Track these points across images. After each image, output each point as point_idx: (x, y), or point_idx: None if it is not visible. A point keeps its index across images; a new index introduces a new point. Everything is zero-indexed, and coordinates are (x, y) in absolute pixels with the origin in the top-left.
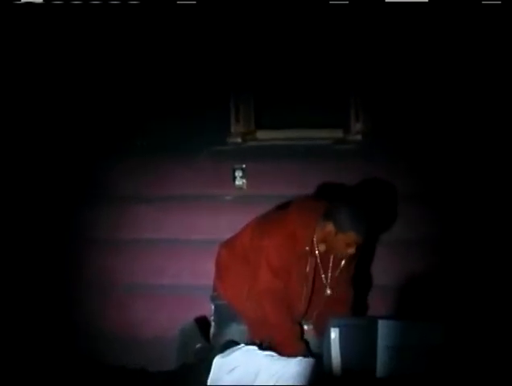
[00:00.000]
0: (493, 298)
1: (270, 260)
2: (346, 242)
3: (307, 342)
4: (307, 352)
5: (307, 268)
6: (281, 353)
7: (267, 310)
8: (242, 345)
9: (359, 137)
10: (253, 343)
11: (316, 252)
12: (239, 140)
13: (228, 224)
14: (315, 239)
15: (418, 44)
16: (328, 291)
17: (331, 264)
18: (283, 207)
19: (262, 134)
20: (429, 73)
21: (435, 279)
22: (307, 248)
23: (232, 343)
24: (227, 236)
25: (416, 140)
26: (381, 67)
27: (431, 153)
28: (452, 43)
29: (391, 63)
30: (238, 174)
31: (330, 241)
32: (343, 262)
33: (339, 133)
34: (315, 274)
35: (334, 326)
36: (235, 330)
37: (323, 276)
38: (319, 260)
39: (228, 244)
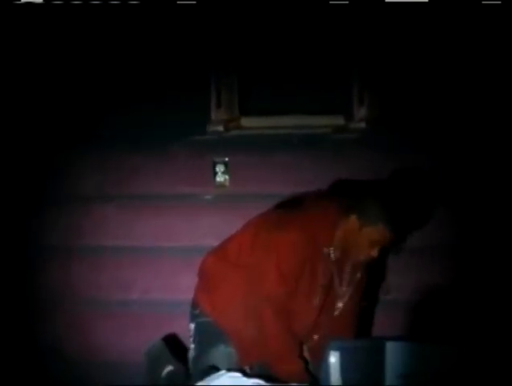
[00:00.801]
0: None
1: (283, 260)
2: (371, 239)
3: (306, 362)
4: (306, 374)
5: (320, 277)
6: (276, 370)
7: (266, 319)
8: (224, 371)
9: (363, 124)
10: (240, 369)
11: (333, 255)
12: (221, 129)
13: (208, 228)
14: (334, 240)
15: (423, 30)
16: (340, 304)
17: (348, 275)
18: (293, 202)
19: (247, 122)
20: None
21: (456, 294)
22: (325, 249)
23: (212, 369)
24: (207, 242)
25: (431, 128)
26: (388, 42)
27: (447, 145)
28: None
29: (399, 41)
30: (220, 168)
31: (352, 239)
32: (358, 274)
33: (339, 120)
34: (333, 284)
35: (334, 349)
36: (221, 352)
37: (338, 285)
38: (335, 269)
39: (217, 251)
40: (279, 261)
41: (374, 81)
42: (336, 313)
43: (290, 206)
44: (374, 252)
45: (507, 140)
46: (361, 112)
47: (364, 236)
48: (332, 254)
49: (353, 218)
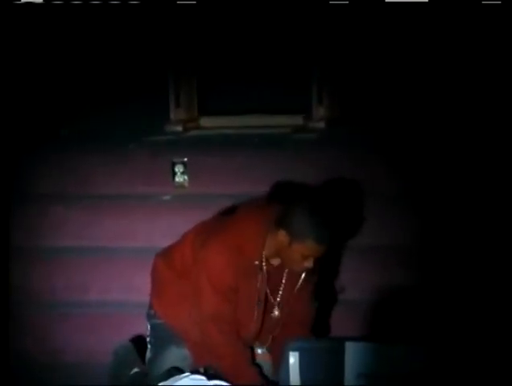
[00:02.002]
0: (481, 316)
1: (212, 277)
2: (302, 253)
3: (260, 367)
4: (262, 379)
5: (258, 286)
6: (233, 384)
7: (213, 338)
8: (188, 373)
9: (322, 124)
10: (197, 370)
11: (264, 267)
12: (179, 128)
13: (166, 229)
14: (265, 252)
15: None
16: (276, 312)
17: (284, 281)
18: (228, 212)
19: (206, 122)
20: (406, 63)
21: (415, 293)
22: (256, 262)
23: (175, 371)
24: (165, 243)
25: (391, 129)
26: (347, 42)
27: (408, 146)
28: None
29: (358, 41)
30: (178, 169)
31: (283, 253)
32: (302, 277)
33: (299, 120)
34: (267, 292)
35: (293, 350)
36: (175, 354)
37: (269, 294)
38: (266, 277)
39: (165, 256)
40: (210, 279)
41: (333, 81)
42: (274, 316)
43: (222, 218)
44: (309, 264)
45: (461, 138)
46: (320, 111)
47: (294, 250)
48: (264, 265)
49: (282, 233)
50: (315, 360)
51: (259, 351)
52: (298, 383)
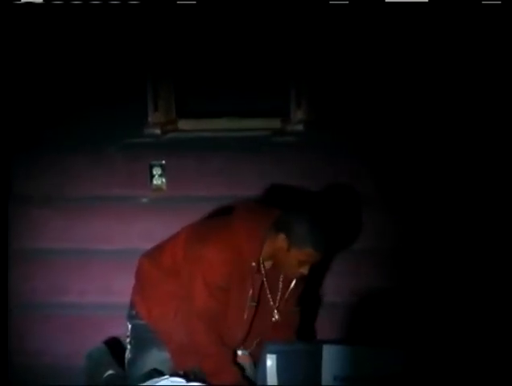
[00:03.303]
0: (460, 320)
1: (208, 275)
2: (300, 259)
3: (242, 369)
4: (244, 380)
5: (251, 289)
6: (214, 383)
7: (199, 336)
8: (167, 376)
9: (300, 127)
10: (177, 374)
11: (262, 269)
12: (158, 131)
13: (144, 232)
14: (262, 254)
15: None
16: (276, 316)
17: (281, 285)
18: (224, 212)
19: (184, 124)
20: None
21: (394, 297)
22: (253, 264)
23: (155, 373)
24: (143, 245)
25: (370, 132)
26: (325, 45)
27: (386, 148)
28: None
29: (336, 44)
30: (156, 171)
31: (280, 257)
32: (293, 282)
33: (277, 123)
34: (260, 296)
35: (270, 353)
36: (156, 356)
37: (270, 297)
38: (265, 279)
39: (152, 255)
40: (205, 276)
41: (311, 84)
42: (275, 320)
43: (220, 217)
44: (305, 270)
45: (440, 139)
46: (298, 115)
47: (292, 256)
48: (262, 268)
49: (282, 237)
50: (293, 363)
51: (239, 352)
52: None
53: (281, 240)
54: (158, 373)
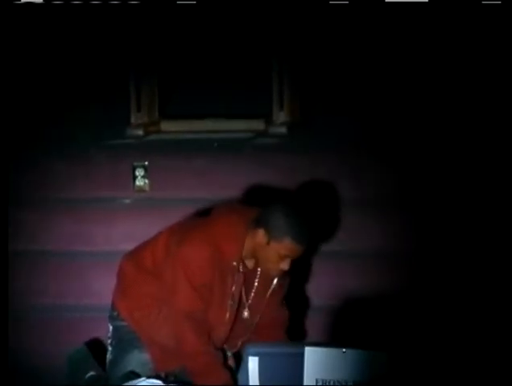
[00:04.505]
0: (444, 322)
1: (190, 273)
2: (280, 253)
3: (232, 371)
4: (232, 381)
5: (233, 288)
6: (199, 384)
7: (186, 335)
8: (144, 378)
9: (283, 129)
10: (157, 376)
11: (240, 268)
12: (140, 132)
13: (126, 233)
14: (243, 253)
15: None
16: (246, 313)
17: (256, 283)
18: (205, 214)
19: (167, 125)
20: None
21: (378, 299)
22: (234, 263)
23: (133, 375)
24: (125, 246)
25: (352, 133)
26: (308, 45)
27: (369, 149)
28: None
29: (319, 44)
30: (139, 172)
31: (260, 253)
32: (275, 281)
33: (260, 125)
34: (240, 295)
35: (252, 355)
36: (137, 357)
37: (243, 295)
38: (247, 281)
39: (133, 256)
40: (188, 275)
41: (294, 86)
42: (244, 317)
43: (200, 218)
44: (285, 265)
45: (427, 140)
46: (281, 116)
47: (272, 249)
48: (241, 267)
49: (261, 231)
50: (275, 365)
51: (229, 353)
52: None
53: (260, 234)
54: (136, 375)
